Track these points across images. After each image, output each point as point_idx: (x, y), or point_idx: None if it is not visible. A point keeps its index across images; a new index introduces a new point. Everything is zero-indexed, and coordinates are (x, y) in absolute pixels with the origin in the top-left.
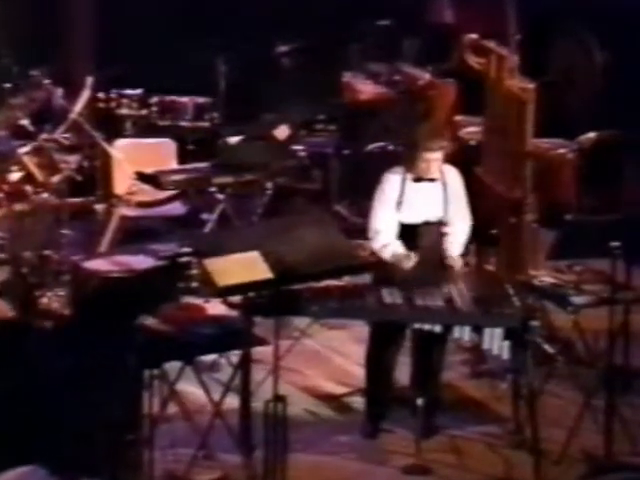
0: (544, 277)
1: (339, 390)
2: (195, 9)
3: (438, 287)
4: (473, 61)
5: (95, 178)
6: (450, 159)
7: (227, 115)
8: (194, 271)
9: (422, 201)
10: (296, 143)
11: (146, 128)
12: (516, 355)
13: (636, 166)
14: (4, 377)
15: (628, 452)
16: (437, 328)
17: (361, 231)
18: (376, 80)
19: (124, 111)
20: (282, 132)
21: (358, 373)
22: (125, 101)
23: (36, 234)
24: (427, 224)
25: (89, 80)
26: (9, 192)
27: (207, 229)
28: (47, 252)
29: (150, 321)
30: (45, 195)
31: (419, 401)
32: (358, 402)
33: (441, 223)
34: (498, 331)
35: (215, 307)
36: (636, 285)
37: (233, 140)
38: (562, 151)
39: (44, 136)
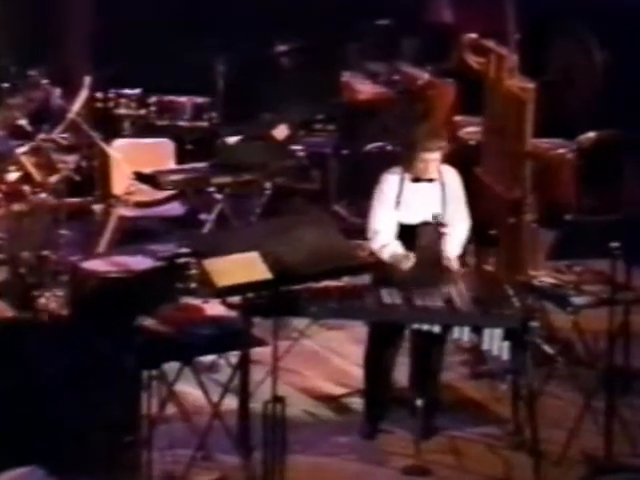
0: (544, 277)
1: (338, 391)
2: (193, 8)
3: (436, 287)
4: (472, 61)
5: (93, 178)
6: (449, 159)
7: (226, 115)
8: (193, 271)
9: (420, 201)
10: (295, 143)
11: (144, 128)
12: (516, 356)
13: (636, 166)
14: (1, 377)
15: (628, 453)
16: (436, 328)
17: (360, 231)
18: (375, 80)
19: (122, 111)
20: (281, 132)
21: (357, 374)
22: (123, 101)
23: (34, 234)
24: (425, 224)
25: (87, 80)
26: (7, 192)
27: (206, 229)
28: (45, 252)
29: (149, 322)
30: (43, 195)
31: (418, 402)
32: (357, 403)
33: (439, 223)
34: (498, 332)
35: (214, 308)
36: (636, 285)
37: (232, 140)
38: (562, 151)
39: (42, 136)
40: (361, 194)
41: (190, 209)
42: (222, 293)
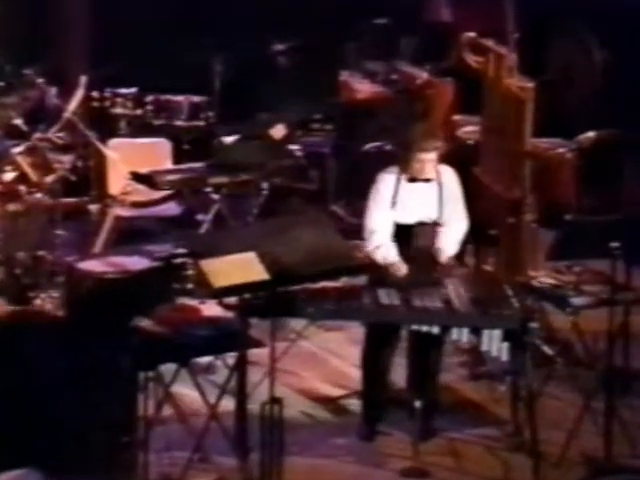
0: (543, 278)
1: (335, 392)
2: (190, 8)
3: (433, 288)
4: (471, 60)
5: (89, 178)
6: (448, 159)
7: (223, 114)
8: (189, 272)
9: (416, 201)
10: (292, 143)
11: (141, 127)
12: (515, 357)
13: (636, 166)
14: None
15: (628, 454)
16: (435, 329)
17: (358, 232)
18: (373, 79)
19: (118, 110)
20: (278, 131)
21: (355, 375)
22: (119, 100)
23: (30, 234)
24: (422, 224)
25: (83, 79)
26: (3, 192)
27: (202, 230)
28: (41, 253)
29: (145, 322)
30: (39, 195)
31: (417, 403)
32: (355, 404)
33: (436, 224)
34: (497, 332)
35: (211, 308)
36: (636, 286)
37: (229, 140)
38: (561, 151)
39: (38, 135)
40: (359, 194)
41: (187, 209)
42: (219, 294)
